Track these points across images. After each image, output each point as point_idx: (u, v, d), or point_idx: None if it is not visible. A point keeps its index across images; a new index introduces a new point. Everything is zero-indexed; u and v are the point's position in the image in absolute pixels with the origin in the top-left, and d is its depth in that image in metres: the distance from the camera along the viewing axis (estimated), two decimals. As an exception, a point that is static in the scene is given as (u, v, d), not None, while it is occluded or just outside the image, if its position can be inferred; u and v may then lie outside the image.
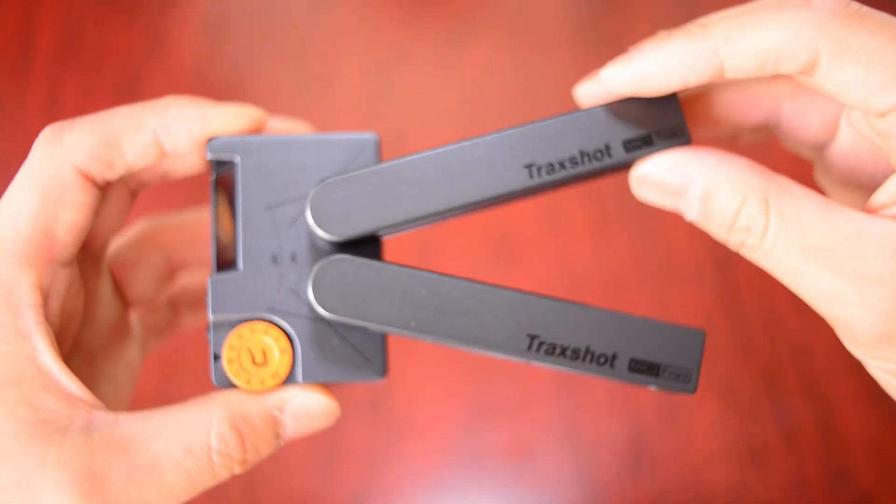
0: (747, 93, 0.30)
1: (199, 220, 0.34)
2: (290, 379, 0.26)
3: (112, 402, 0.30)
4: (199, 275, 0.35)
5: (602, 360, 0.25)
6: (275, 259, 0.27)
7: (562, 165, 0.26)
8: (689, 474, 0.52)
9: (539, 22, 0.71)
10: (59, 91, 0.67)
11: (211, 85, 0.68)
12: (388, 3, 0.73)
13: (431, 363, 0.56)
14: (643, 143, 0.26)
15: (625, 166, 0.27)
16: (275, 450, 0.26)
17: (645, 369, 0.25)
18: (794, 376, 0.54)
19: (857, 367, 0.55)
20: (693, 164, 0.26)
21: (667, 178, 0.26)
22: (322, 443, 0.53)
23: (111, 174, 0.27)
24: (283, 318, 0.26)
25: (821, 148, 0.30)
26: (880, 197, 0.25)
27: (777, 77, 0.30)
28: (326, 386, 0.27)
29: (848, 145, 0.29)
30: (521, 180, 0.26)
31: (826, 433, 0.53)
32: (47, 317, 0.25)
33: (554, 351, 0.25)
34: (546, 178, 0.26)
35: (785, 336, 0.56)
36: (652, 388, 0.26)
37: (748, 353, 0.55)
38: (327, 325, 0.26)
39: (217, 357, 0.26)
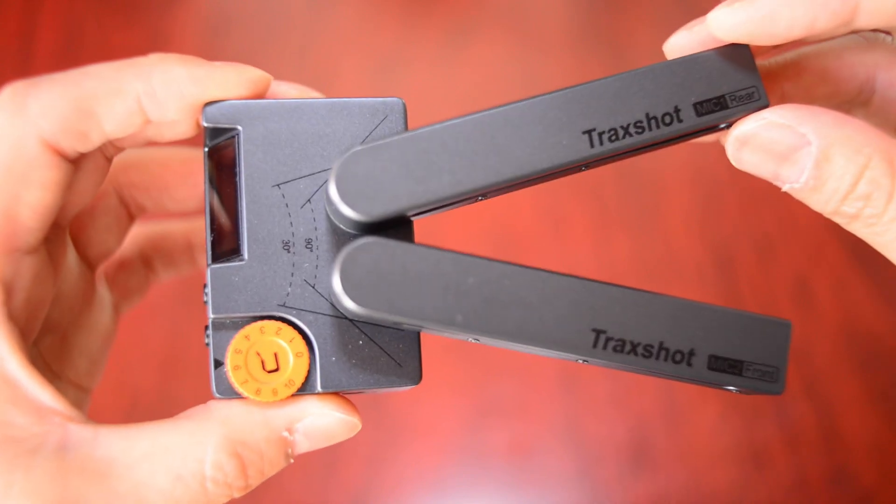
0: (843, 61, 0.27)
1: (155, 159, 0.29)
2: (306, 387, 0.22)
3: (87, 377, 0.27)
4: (166, 226, 0.32)
5: (678, 357, 0.22)
6: (286, 246, 0.23)
7: (626, 131, 0.22)
8: (690, 475, 0.52)
9: (539, 21, 0.71)
10: (59, 91, 0.67)
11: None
12: (388, 3, 0.73)
13: (432, 363, 0.56)
14: (716, 107, 0.23)
15: (694, 133, 0.23)
16: (285, 466, 0.23)
17: (726, 367, 0.22)
18: (795, 377, 0.54)
19: (858, 368, 0.56)
20: (808, 122, 0.21)
21: (777, 137, 0.21)
22: (322, 443, 0.53)
23: (85, 146, 0.23)
24: (298, 316, 0.22)
25: None
26: None
27: (874, 45, 0.27)
28: (347, 396, 0.23)
29: None
30: (581, 149, 0.22)
31: (827, 434, 0.53)
32: (11, 314, 0.22)
33: (623, 348, 0.21)
34: (609, 146, 0.22)
35: (786, 336, 0.56)
36: (733, 389, 0.23)
37: (749, 354, 0.55)
38: (350, 324, 0.22)
39: (219, 363, 0.22)
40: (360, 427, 0.23)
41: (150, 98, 0.22)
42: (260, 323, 0.22)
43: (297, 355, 0.22)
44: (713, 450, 0.52)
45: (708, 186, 0.62)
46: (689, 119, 0.23)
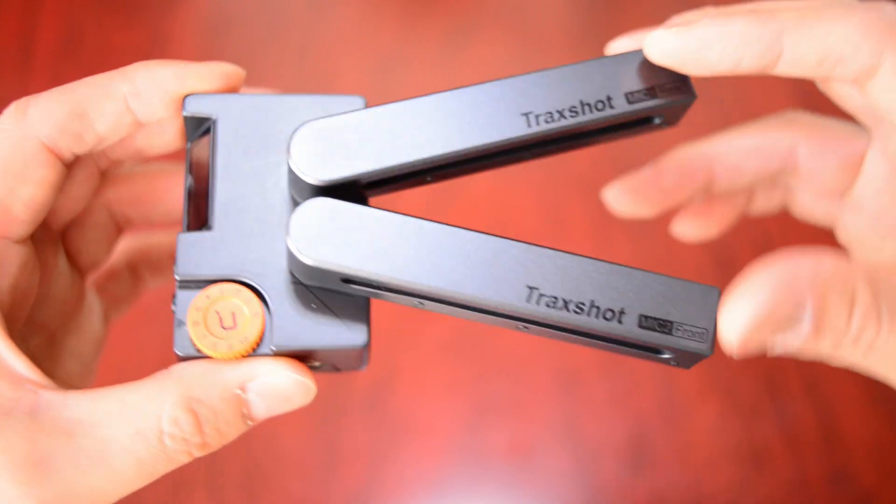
0: (766, 137, 0.30)
1: (144, 175, 0.31)
2: (261, 346, 0.23)
3: (79, 379, 0.28)
4: (153, 237, 0.33)
5: (609, 315, 0.22)
6: (253, 220, 0.24)
7: (561, 115, 0.24)
8: (689, 475, 0.52)
9: (539, 21, 0.71)
10: (59, 91, 0.67)
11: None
12: (388, 3, 0.73)
13: (432, 363, 0.56)
14: (646, 96, 0.25)
15: (627, 124, 0.26)
16: (244, 430, 0.24)
17: (656, 326, 0.22)
18: (795, 377, 0.54)
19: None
20: (796, 276, 0.21)
21: (778, 310, 0.21)
22: (322, 443, 0.53)
23: (80, 147, 0.25)
24: (258, 281, 0.24)
25: (840, 195, 0.30)
26: None
27: (792, 121, 0.30)
28: (303, 363, 0.24)
29: (881, 183, 0.27)
30: (519, 128, 0.24)
31: (827, 434, 0.53)
32: None
33: (556, 304, 0.22)
34: (544, 126, 0.24)
35: (786, 336, 0.56)
36: (666, 357, 0.23)
37: (749, 354, 0.55)
38: (306, 289, 0.24)
39: (182, 323, 0.23)
40: (314, 391, 0.24)
41: (135, 97, 0.25)
42: (221, 284, 0.23)
43: (252, 315, 0.23)
44: (713, 449, 0.52)
45: (708, 186, 0.62)
46: (621, 106, 0.25)
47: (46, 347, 0.28)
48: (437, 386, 0.55)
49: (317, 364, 0.25)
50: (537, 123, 0.24)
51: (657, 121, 0.26)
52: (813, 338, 0.22)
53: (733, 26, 0.23)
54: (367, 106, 0.25)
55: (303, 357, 0.25)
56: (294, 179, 0.24)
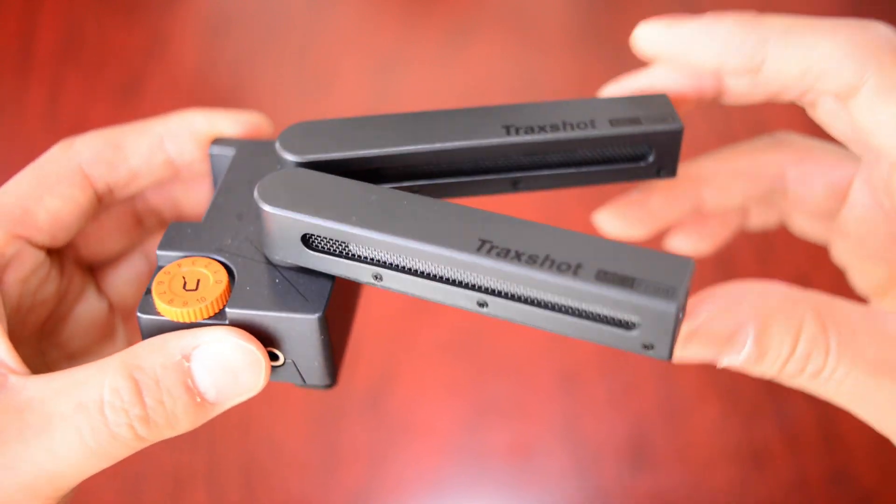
0: (754, 159, 0.30)
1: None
2: (220, 315, 0.23)
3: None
4: None
5: (564, 267, 0.21)
6: (239, 216, 0.26)
7: (542, 129, 0.25)
8: (689, 475, 0.52)
9: (539, 22, 0.71)
10: (59, 91, 0.67)
11: (211, 85, 0.68)
12: (388, 3, 0.73)
13: (432, 363, 0.56)
14: (630, 123, 0.25)
15: (615, 154, 0.26)
16: (194, 410, 0.22)
17: (616, 281, 0.20)
18: (794, 376, 0.54)
19: (857, 368, 0.55)
20: (740, 300, 0.23)
21: (717, 326, 0.23)
22: (322, 443, 0.53)
23: (113, 176, 0.27)
24: (230, 260, 0.24)
25: (830, 218, 0.30)
26: None
27: (781, 144, 0.30)
28: (257, 341, 0.23)
29: (862, 211, 0.27)
30: (497, 134, 0.25)
31: (827, 434, 0.53)
32: (4, 281, 0.24)
33: (507, 255, 0.21)
34: (525, 137, 0.25)
35: (786, 336, 0.56)
36: (631, 328, 0.21)
37: (749, 354, 0.55)
38: (273, 268, 0.24)
39: (149, 292, 0.24)
40: (262, 363, 0.23)
41: (169, 137, 0.28)
42: (195, 257, 0.24)
43: (216, 282, 0.24)
44: (713, 449, 0.52)
45: (708, 186, 0.62)
46: (603, 127, 0.25)
47: (65, 363, 0.28)
48: (437, 386, 0.55)
49: (278, 358, 0.24)
50: (517, 133, 0.25)
51: (650, 158, 0.26)
52: (755, 360, 0.23)
53: (721, 26, 0.24)
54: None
55: (262, 340, 0.24)
56: (279, 160, 0.25)
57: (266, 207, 0.23)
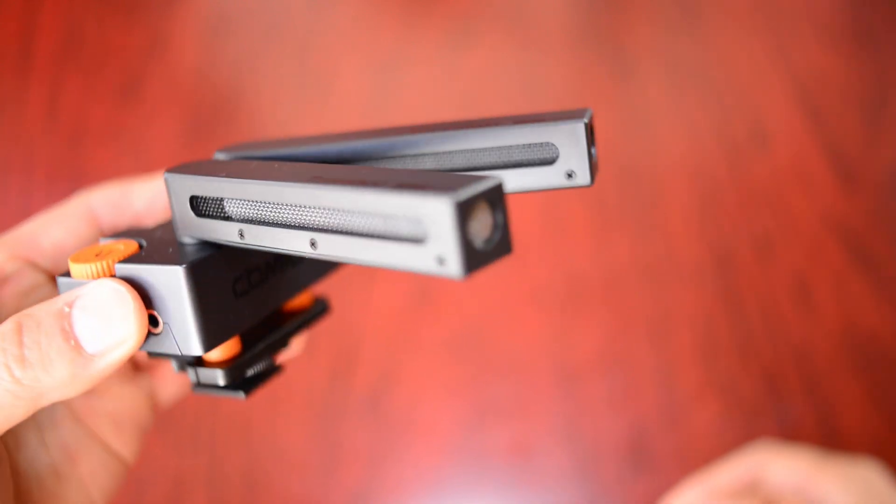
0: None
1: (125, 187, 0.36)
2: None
3: (125, 452, 0.30)
4: None
5: (369, 183, 0.20)
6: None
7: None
8: (689, 474, 0.52)
9: (539, 22, 0.71)
10: (59, 91, 0.67)
11: (212, 85, 0.68)
12: (388, 3, 0.73)
13: (432, 363, 0.56)
14: (533, 120, 0.25)
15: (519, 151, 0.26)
16: (69, 354, 0.23)
17: (406, 188, 0.19)
18: (794, 376, 0.54)
19: (858, 368, 0.56)
20: None
21: None
22: (322, 443, 0.53)
23: (121, 217, 0.31)
24: (147, 240, 0.26)
25: None
26: None
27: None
28: (139, 300, 0.25)
29: None
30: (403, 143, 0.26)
31: (827, 433, 0.53)
32: (1, 294, 0.27)
33: (327, 181, 0.21)
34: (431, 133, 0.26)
35: (785, 336, 0.56)
36: (419, 230, 0.20)
37: (748, 353, 0.55)
38: (181, 245, 0.26)
39: None
40: (132, 305, 0.24)
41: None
42: (120, 239, 0.27)
43: (124, 251, 0.26)
44: (713, 450, 0.52)
45: (707, 186, 0.61)
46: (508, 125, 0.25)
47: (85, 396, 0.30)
48: (437, 386, 0.55)
49: (158, 323, 0.25)
50: (424, 134, 0.26)
51: (560, 161, 0.25)
52: None
53: None
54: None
55: (144, 301, 0.25)
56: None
57: (167, 174, 0.25)
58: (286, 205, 0.23)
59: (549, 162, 0.25)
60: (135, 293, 0.24)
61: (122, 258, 0.25)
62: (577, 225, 0.60)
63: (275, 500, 0.51)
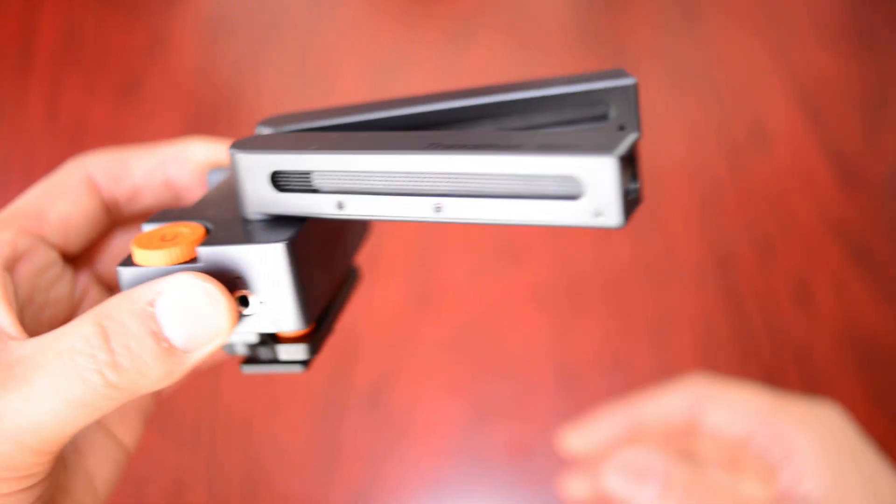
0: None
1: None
2: (193, 261, 0.24)
3: (128, 440, 0.30)
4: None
5: (507, 148, 0.21)
6: (227, 198, 0.27)
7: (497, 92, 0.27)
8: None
9: (539, 22, 0.71)
10: (59, 91, 0.67)
11: (212, 85, 0.68)
12: (388, 4, 0.73)
13: (432, 363, 0.56)
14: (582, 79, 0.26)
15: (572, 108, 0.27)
16: (163, 356, 0.23)
17: (556, 149, 0.21)
18: (795, 376, 0.54)
19: (858, 368, 0.56)
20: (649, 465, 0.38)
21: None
22: (322, 443, 0.53)
23: (119, 190, 0.30)
24: (209, 222, 0.25)
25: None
26: (782, 485, 0.35)
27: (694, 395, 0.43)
28: (224, 287, 0.24)
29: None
30: (455, 102, 0.26)
31: (827, 433, 0.53)
32: (12, 271, 0.26)
33: (454, 148, 0.22)
34: (482, 99, 0.26)
35: (785, 336, 0.56)
36: (576, 187, 0.21)
37: (748, 353, 0.55)
38: (250, 221, 0.25)
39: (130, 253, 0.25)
40: (223, 301, 0.23)
41: (171, 159, 0.30)
42: (176, 222, 0.25)
43: (192, 233, 0.24)
44: (713, 450, 0.52)
45: (707, 186, 0.62)
46: (559, 85, 0.26)
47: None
48: (437, 386, 0.55)
49: (249, 303, 0.24)
50: (478, 96, 0.26)
51: (613, 114, 0.27)
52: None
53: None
54: None
55: (232, 282, 0.24)
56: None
57: (239, 154, 0.24)
58: (404, 174, 0.23)
59: (602, 117, 0.27)
60: (221, 286, 0.23)
61: (198, 241, 0.24)
62: (577, 230, 0.60)
63: (275, 500, 0.51)
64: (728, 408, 0.40)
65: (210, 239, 0.24)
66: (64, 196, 0.28)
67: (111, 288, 0.32)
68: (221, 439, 0.53)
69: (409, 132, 0.24)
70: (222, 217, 0.26)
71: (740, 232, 0.60)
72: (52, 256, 0.28)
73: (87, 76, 0.68)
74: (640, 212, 0.60)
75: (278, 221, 0.25)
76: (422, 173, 0.22)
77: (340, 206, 0.24)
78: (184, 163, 0.30)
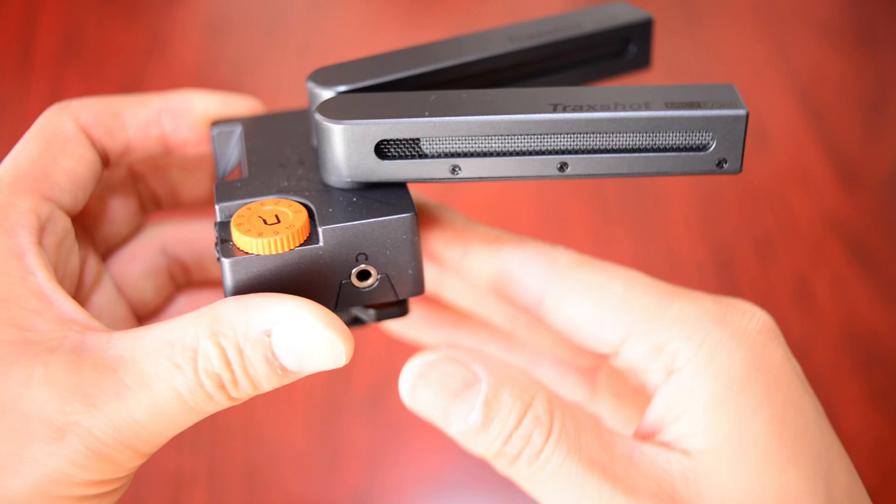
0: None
1: (202, 231, 0.33)
2: (310, 238, 0.23)
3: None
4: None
5: (635, 106, 0.23)
6: (282, 164, 0.26)
7: (540, 35, 0.28)
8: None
9: (539, 22, 0.71)
10: (60, 91, 0.67)
11: (212, 85, 0.68)
12: (388, 4, 0.73)
13: (432, 363, 0.56)
14: (689, 106, 0.25)
15: (601, 49, 0.28)
16: (277, 378, 0.23)
17: (684, 105, 0.23)
18: (794, 376, 0.54)
19: (858, 367, 0.56)
20: (479, 361, 0.24)
21: (452, 371, 0.25)
22: (322, 442, 0.53)
23: (111, 143, 0.27)
24: (298, 195, 0.24)
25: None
26: (646, 422, 0.25)
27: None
28: (335, 315, 0.23)
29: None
30: (504, 47, 0.27)
31: (827, 433, 0.53)
32: (43, 245, 0.24)
33: (581, 109, 0.23)
34: (528, 42, 0.27)
35: (785, 336, 0.56)
36: (707, 144, 0.23)
37: (749, 354, 0.55)
38: (342, 191, 0.24)
39: (223, 240, 0.23)
40: (343, 348, 0.22)
41: (168, 112, 0.28)
42: (261, 201, 0.24)
43: (296, 212, 0.23)
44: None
45: (708, 186, 0.62)
46: (591, 27, 0.28)
47: None
48: (437, 386, 0.55)
49: (370, 277, 0.24)
50: (521, 40, 0.27)
51: (632, 50, 0.29)
52: (481, 425, 0.23)
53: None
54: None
55: (354, 256, 0.23)
56: (311, 99, 0.26)
57: (336, 125, 0.23)
58: (527, 136, 0.23)
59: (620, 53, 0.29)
60: (342, 327, 0.22)
61: (306, 221, 0.23)
62: (577, 224, 0.60)
63: (275, 500, 0.51)
64: (588, 299, 0.26)
65: (323, 217, 0.23)
66: (64, 151, 0.26)
67: (104, 251, 0.30)
68: (221, 439, 0.53)
69: (517, 90, 0.24)
70: (305, 188, 0.24)
71: (741, 232, 0.60)
72: (68, 222, 0.26)
73: (88, 76, 0.68)
74: (641, 211, 0.60)
75: (371, 189, 0.24)
76: (547, 134, 0.23)
77: (455, 169, 0.24)
78: (180, 117, 0.28)
